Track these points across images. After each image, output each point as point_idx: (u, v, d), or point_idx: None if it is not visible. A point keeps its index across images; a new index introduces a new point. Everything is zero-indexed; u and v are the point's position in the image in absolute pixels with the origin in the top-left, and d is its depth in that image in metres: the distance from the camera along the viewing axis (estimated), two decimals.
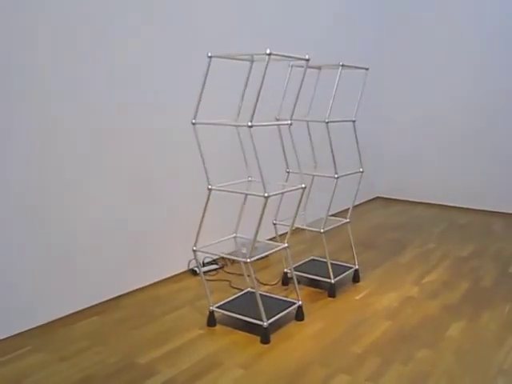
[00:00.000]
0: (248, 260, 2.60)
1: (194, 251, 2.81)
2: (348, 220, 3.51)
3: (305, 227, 3.41)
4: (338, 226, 3.46)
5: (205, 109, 3.68)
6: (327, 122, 3.10)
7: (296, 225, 3.37)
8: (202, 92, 2.65)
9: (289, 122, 2.67)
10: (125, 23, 3.05)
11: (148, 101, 3.29)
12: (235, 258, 2.75)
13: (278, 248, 2.84)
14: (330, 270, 3.32)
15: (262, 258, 3.98)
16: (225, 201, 3.84)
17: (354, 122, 3.37)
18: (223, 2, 3.74)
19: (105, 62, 2.99)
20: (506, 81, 5.66)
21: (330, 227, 3.34)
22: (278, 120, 3.22)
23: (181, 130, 3.55)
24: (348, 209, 5.75)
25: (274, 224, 3.36)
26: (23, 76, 2.59)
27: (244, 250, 2.96)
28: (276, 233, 3.37)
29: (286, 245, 2.85)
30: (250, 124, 2.42)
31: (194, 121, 2.68)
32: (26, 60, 2.59)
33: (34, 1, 2.58)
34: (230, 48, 3.80)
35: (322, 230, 3.25)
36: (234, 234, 3.11)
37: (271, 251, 2.82)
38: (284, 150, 3.30)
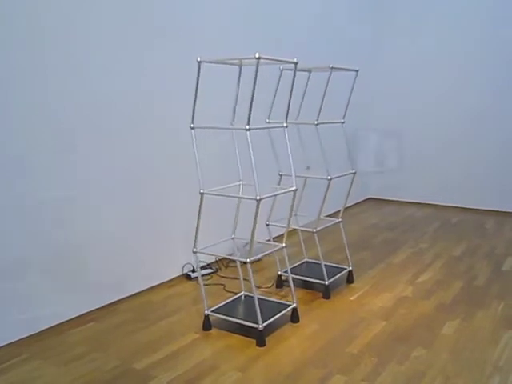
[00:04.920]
0: (248, 260, 2.64)
1: (195, 253, 2.85)
2: (340, 219, 3.54)
3: (297, 227, 3.46)
4: (331, 227, 3.49)
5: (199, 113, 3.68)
6: (316, 124, 3.18)
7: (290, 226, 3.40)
8: (195, 97, 2.69)
9: (284, 124, 2.77)
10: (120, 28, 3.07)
11: (141, 108, 3.29)
12: (235, 258, 2.82)
13: (277, 248, 2.89)
14: (324, 271, 3.34)
15: (259, 259, 4.03)
16: (218, 204, 3.84)
17: (342, 123, 3.45)
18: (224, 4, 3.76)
19: (101, 65, 3.00)
20: (498, 81, 5.71)
21: (322, 227, 3.38)
22: (269, 123, 3.27)
23: (175, 135, 3.55)
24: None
25: (267, 225, 3.39)
26: (34, 80, 2.59)
27: (238, 253, 3.03)
28: (270, 234, 3.38)
29: (284, 245, 2.89)
30: (247, 127, 2.50)
31: (192, 125, 2.74)
32: (34, 61, 2.60)
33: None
34: (219, 52, 3.81)
35: (314, 230, 3.29)
36: (233, 236, 3.15)
37: (270, 251, 2.87)
38: (276, 153, 3.32)
